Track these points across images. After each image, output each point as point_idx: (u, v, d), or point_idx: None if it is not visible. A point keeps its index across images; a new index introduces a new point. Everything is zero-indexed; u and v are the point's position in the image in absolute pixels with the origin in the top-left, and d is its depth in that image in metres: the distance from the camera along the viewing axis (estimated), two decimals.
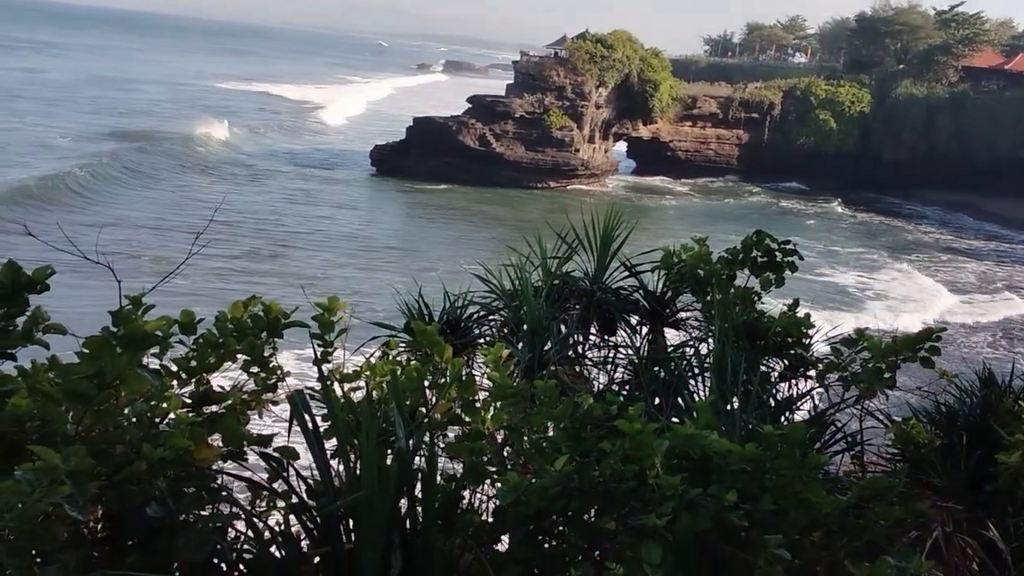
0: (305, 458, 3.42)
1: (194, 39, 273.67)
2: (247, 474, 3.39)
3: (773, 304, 6.07)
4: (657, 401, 5.36)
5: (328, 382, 3.71)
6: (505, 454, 3.97)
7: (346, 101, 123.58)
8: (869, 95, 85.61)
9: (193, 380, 3.51)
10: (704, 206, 75.06)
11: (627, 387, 5.97)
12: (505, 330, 6.42)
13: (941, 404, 5.34)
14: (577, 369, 6.18)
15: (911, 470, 4.75)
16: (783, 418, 5.07)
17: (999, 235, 71.71)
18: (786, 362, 5.77)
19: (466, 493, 3.62)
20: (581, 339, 6.58)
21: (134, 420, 3.11)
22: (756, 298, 6.07)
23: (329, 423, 3.42)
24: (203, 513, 3.08)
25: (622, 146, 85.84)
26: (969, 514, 4.42)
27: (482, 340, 6.24)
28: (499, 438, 4.09)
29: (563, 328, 6.34)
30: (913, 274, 56.00)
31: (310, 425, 3.35)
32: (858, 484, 3.76)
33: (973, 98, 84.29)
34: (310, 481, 3.37)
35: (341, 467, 3.30)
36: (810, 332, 5.81)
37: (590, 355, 6.54)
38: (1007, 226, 73.34)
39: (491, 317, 6.65)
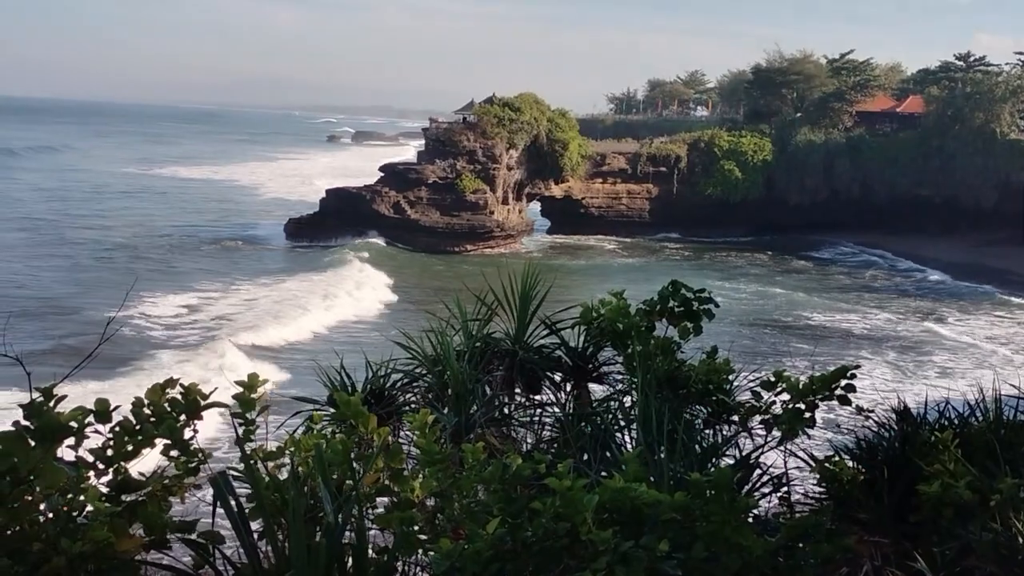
0: (232, 541, 3.35)
1: (93, 123, 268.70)
2: (171, 563, 3.29)
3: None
4: (585, 456, 5.37)
5: (251, 461, 3.64)
6: (437, 521, 3.92)
7: (267, 178, 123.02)
8: (771, 144, 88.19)
9: (111, 469, 3.42)
10: (621, 260, 76.11)
11: (555, 444, 5.96)
12: (430, 395, 6.38)
13: (861, 440, 5.45)
14: (504, 430, 6.17)
15: (837, 507, 4.83)
16: (710, 464, 5.11)
17: (911, 271, 73.97)
18: (709, 409, 5.84)
19: (399, 564, 3.57)
20: (506, 400, 6.58)
21: (50, 515, 3.01)
22: (676, 348, 6.15)
23: (254, 503, 3.35)
24: None
25: (536, 206, 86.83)
26: (896, 546, 4.50)
27: (407, 407, 6.19)
28: (430, 505, 4.04)
29: (488, 390, 6.33)
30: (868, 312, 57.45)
31: (235, 507, 3.28)
32: (786, 524, 3.81)
33: (869, 141, 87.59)
34: (238, 564, 3.29)
35: (269, 548, 3.23)
36: (730, 378, 5.90)
37: (516, 415, 6.53)
38: (918, 261, 75.84)
39: (415, 383, 6.61)
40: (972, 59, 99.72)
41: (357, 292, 55.19)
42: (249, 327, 44.84)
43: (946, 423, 5.50)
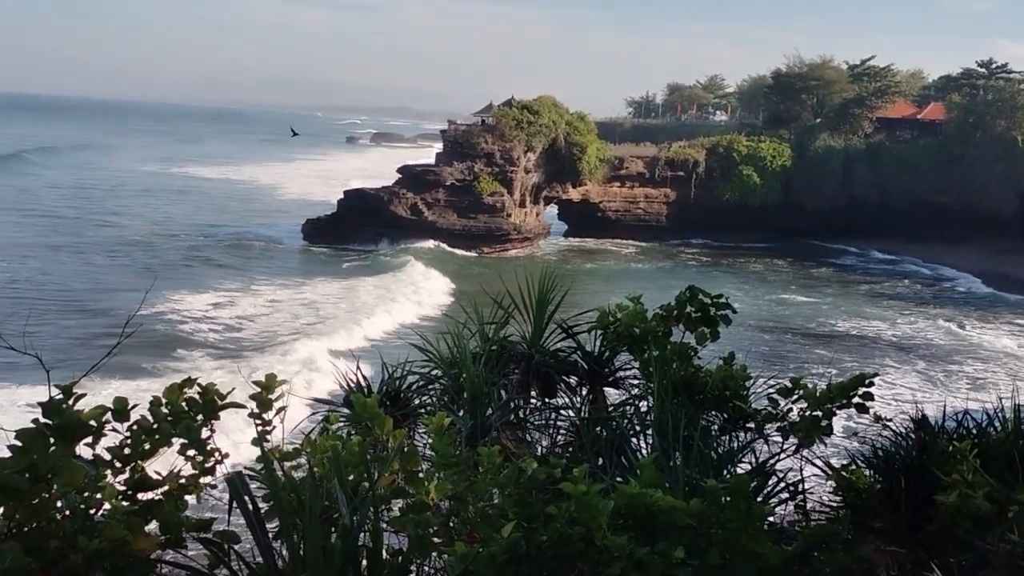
0: (247, 541, 3.36)
1: (128, 122, 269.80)
2: (187, 562, 3.31)
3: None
4: (600, 461, 5.36)
5: (268, 461, 3.65)
6: (451, 524, 3.93)
7: (287, 178, 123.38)
8: (789, 149, 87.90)
9: (128, 467, 3.44)
10: (637, 265, 76.00)
11: (570, 449, 5.96)
12: (445, 398, 6.38)
13: (878, 448, 5.42)
14: (519, 434, 6.16)
15: (853, 515, 4.81)
16: (725, 471, 5.10)
17: (936, 278, 73.59)
18: (725, 415, 5.83)
19: (413, 567, 3.57)
20: (522, 403, 6.57)
21: (68, 513, 3.03)
22: (692, 353, 6.14)
23: (271, 503, 3.36)
24: None
25: (553, 209, 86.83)
26: (912, 556, 4.47)
27: (423, 410, 6.19)
28: (444, 508, 4.05)
29: (503, 393, 6.33)
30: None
31: (250, 507, 3.29)
32: (803, 533, 3.79)
33: (889, 147, 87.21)
34: (253, 565, 3.30)
35: (284, 548, 3.24)
36: (747, 384, 5.89)
37: (532, 419, 6.53)
38: (942, 268, 75.43)
39: (431, 386, 6.61)
40: (994, 66, 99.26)
41: (415, 295, 54.98)
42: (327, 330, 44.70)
43: (964, 433, 5.47)
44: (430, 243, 72.96)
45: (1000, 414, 5.79)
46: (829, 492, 5.25)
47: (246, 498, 3.32)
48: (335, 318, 47.86)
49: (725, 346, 6.28)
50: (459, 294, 51.69)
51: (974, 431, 5.63)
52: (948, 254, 76.92)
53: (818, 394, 5.18)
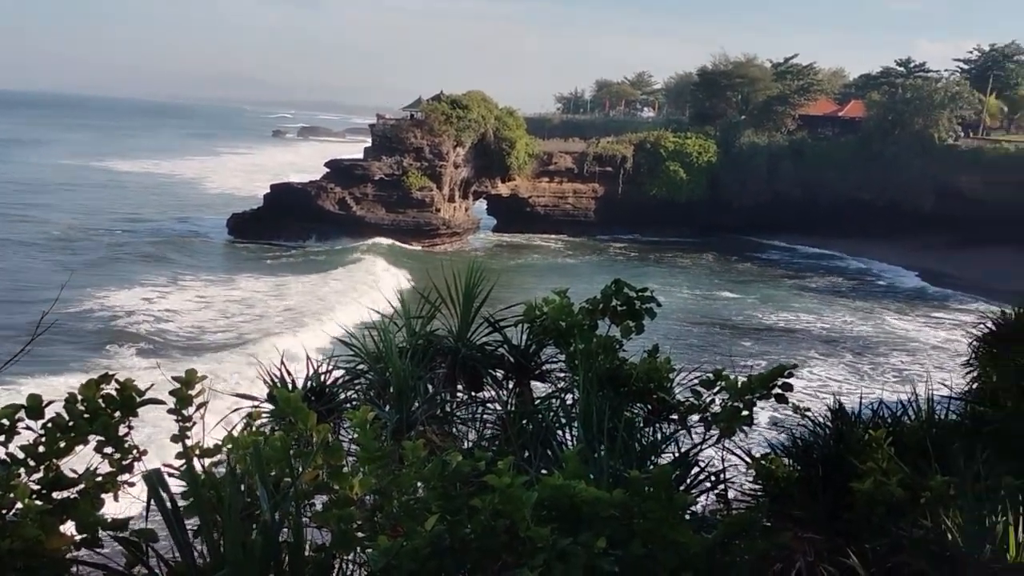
0: (166, 539, 3.30)
1: (66, 117, 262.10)
2: (104, 561, 3.24)
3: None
4: (527, 454, 5.39)
5: (188, 458, 3.59)
6: (376, 519, 3.91)
7: (212, 172, 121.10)
8: (715, 145, 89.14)
9: (42, 466, 3.36)
10: (566, 259, 76.37)
11: (496, 442, 5.98)
12: (372, 393, 6.35)
13: (797, 438, 5.54)
14: (446, 428, 6.16)
15: (773, 504, 4.91)
16: (649, 462, 5.16)
17: (860, 272, 75.31)
18: (650, 407, 5.90)
19: (337, 562, 3.54)
20: (448, 397, 6.57)
21: None
22: (618, 346, 6.20)
23: (190, 501, 3.31)
24: None
25: (482, 204, 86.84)
26: (829, 543, 4.58)
27: (349, 405, 6.15)
28: (369, 503, 4.02)
29: (430, 387, 6.32)
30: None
31: (169, 504, 3.23)
32: (723, 521, 3.85)
33: (811, 144, 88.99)
34: (171, 563, 3.24)
35: (204, 546, 3.19)
36: (671, 376, 5.96)
37: (458, 413, 6.53)
38: (865, 263, 77.32)
39: (357, 381, 6.58)
40: (912, 65, 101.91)
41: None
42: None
43: (880, 422, 5.62)
44: (378, 240, 72.46)
45: (914, 404, 5.96)
46: (750, 481, 5.35)
47: (165, 496, 3.26)
48: (293, 314, 47.28)
49: (653, 340, 6.36)
50: (416, 289, 51.22)
51: (889, 420, 5.79)
52: (872, 249, 78.86)
53: (739, 385, 5.27)
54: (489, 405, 6.54)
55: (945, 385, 6.83)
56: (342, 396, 6.37)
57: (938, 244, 75.25)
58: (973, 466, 4.69)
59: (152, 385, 3.84)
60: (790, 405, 5.37)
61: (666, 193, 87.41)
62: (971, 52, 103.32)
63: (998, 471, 4.63)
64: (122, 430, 3.63)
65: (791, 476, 5.04)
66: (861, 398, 6.04)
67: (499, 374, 6.79)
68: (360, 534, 3.58)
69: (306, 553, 3.31)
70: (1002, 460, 4.86)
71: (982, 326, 8.41)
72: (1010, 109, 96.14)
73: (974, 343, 8.27)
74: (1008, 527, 4.22)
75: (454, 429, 6.22)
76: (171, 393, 3.90)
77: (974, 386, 7.83)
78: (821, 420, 5.70)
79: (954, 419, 6.24)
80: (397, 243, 73.09)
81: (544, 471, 4.72)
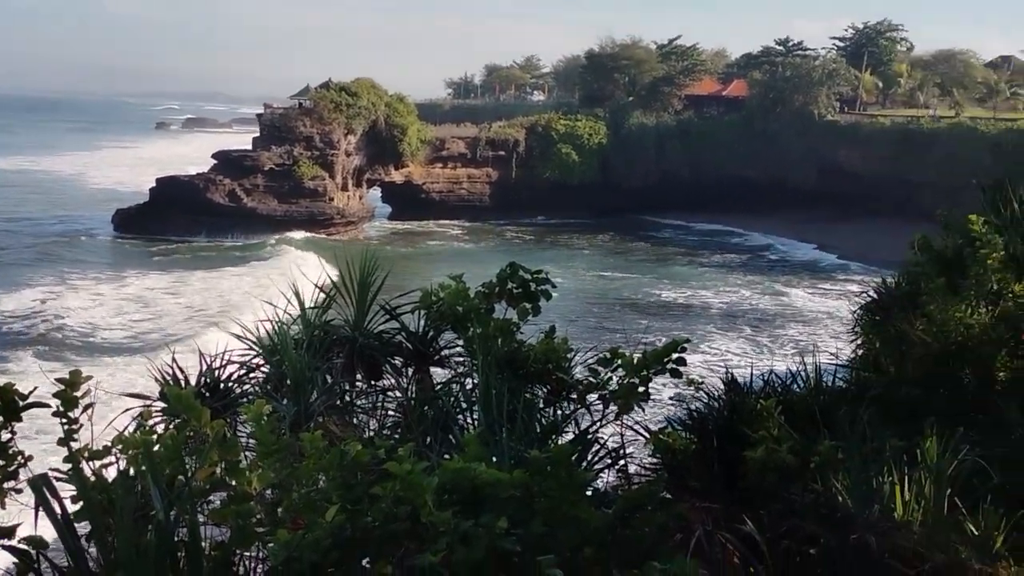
0: (57, 545, 3.20)
1: None
2: None
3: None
4: (428, 440, 5.38)
5: (75, 461, 3.48)
6: (278, 513, 3.85)
7: (93, 167, 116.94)
8: (605, 127, 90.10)
9: None
10: (463, 244, 76.35)
11: (398, 430, 5.95)
12: (268, 386, 6.25)
13: (693, 411, 5.66)
14: (346, 418, 6.10)
15: (671, 476, 5.01)
16: (550, 441, 5.21)
17: (750, 248, 77.23)
18: (549, 387, 5.94)
19: (237, 558, 3.49)
20: (347, 387, 6.52)
21: None
22: (515, 329, 6.22)
23: (80, 505, 3.21)
24: None
25: (377, 192, 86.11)
26: (727, 511, 4.70)
27: (244, 399, 6.04)
28: (269, 497, 3.96)
29: (328, 378, 6.25)
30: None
31: (59, 510, 3.13)
32: (621, 496, 3.92)
33: (697, 124, 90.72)
34: (63, 569, 3.14)
35: (97, 550, 3.10)
36: (569, 356, 6.02)
37: (358, 402, 6.48)
38: (753, 238, 79.19)
39: (252, 375, 6.46)
40: (791, 44, 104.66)
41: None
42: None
43: (771, 392, 5.79)
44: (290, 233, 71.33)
45: (803, 373, 6.16)
46: (649, 456, 5.45)
47: (53, 501, 3.16)
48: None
49: (552, 321, 6.40)
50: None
51: (780, 390, 5.96)
52: (761, 225, 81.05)
53: (635, 362, 5.35)
54: (389, 393, 6.51)
55: (832, 353, 7.06)
56: (237, 391, 6.25)
57: (821, 218, 77.73)
58: (859, 430, 4.88)
59: (36, 388, 3.71)
60: (685, 379, 5.48)
61: (559, 176, 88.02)
62: (846, 30, 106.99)
63: (883, 435, 4.82)
64: (4, 435, 3.49)
65: (688, 448, 5.16)
66: (752, 369, 6.20)
67: (398, 362, 6.77)
68: (260, 529, 3.53)
69: (205, 551, 3.24)
70: (886, 424, 5.06)
71: (865, 295, 8.72)
72: (884, 84, 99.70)
73: (857, 312, 8.57)
74: (894, 487, 4.40)
75: (355, 419, 6.17)
76: (55, 395, 3.77)
77: (859, 353, 8.13)
78: (715, 393, 5.84)
79: (841, 386, 6.47)
80: (310, 234, 71.98)
81: (446, 456, 4.73)
